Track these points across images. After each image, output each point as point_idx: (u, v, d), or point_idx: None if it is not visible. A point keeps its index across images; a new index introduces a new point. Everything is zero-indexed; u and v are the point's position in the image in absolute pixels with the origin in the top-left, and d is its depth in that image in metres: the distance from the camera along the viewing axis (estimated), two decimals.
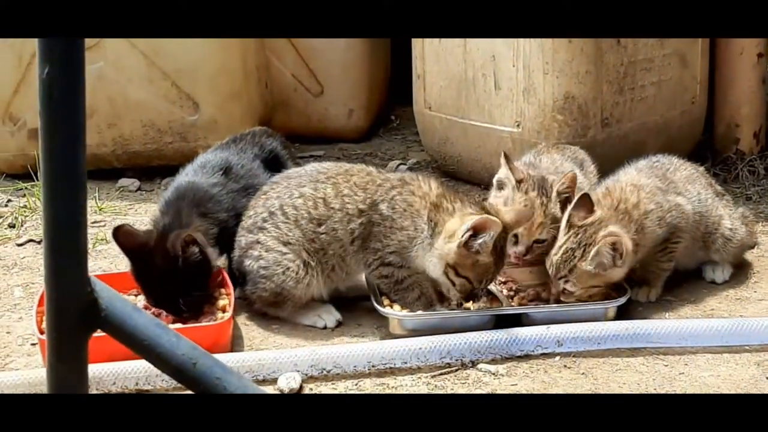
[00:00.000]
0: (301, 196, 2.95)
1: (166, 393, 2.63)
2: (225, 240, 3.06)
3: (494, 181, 3.15)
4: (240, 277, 3.01)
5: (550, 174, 3.16)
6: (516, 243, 3.01)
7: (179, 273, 2.84)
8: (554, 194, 3.01)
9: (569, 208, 2.93)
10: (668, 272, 3.12)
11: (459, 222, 2.81)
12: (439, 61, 4.11)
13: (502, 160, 3.06)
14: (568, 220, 2.92)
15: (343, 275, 3.00)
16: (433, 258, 2.85)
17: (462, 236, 2.77)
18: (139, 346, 1.51)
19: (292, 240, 2.92)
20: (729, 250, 3.20)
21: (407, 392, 2.62)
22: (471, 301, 3.02)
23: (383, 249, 2.90)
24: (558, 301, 2.96)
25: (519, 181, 3.02)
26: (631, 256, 2.90)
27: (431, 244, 2.85)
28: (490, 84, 3.92)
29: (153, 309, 2.92)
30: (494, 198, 3.08)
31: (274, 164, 3.43)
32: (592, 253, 2.84)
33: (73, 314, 1.46)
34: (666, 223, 3.02)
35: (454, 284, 2.86)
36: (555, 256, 2.91)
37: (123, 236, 2.88)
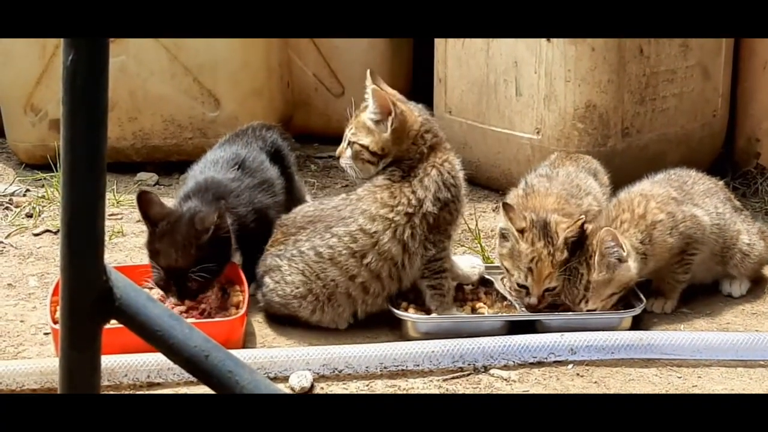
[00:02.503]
0: (333, 236, 2.88)
1: (176, 393, 2.63)
2: (242, 237, 3.06)
3: (498, 229, 3.05)
4: (257, 285, 3.01)
5: (564, 190, 3.14)
6: (527, 294, 2.94)
7: (201, 244, 2.84)
8: (561, 241, 2.90)
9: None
10: (684, 284, 3.11)
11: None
12: (461, 66, 4.11)
13: (502, 211, 2.96)
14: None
15: (394, 288, 2.93)
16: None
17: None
18: (152, 336, 1.50)
19: (323, 281, 2.88)
20: (747, 265, 3.19)
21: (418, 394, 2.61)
22: (485, 306, 3.03)
23: (456, 220, 2.94)
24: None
25: (521, 231, 2.91)
26: (633, 253, 2.90)
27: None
28: (512, 90, 3.91)
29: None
30: (501, 248, 3.00)
31: (276, 157, 3.43)
32: (596, 259, 2.83)
33: (87, 302, 1.46)
34: (679, 232, 3.01)
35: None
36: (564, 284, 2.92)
37: (146, 203, 2.89)
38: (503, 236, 2.98)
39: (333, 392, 2.62)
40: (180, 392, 2.61)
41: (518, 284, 2.94)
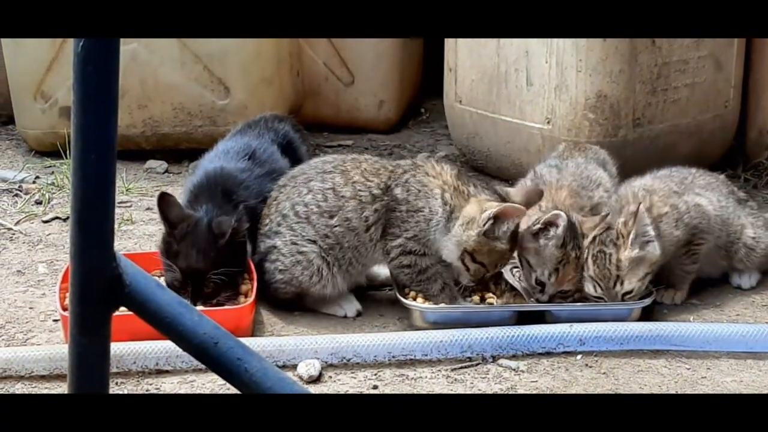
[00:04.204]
0: (310, 191, 2.93)
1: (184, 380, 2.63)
2: (252, 226, 3.06)
3: (529, 231, 2.90)
4: (260, 276, 3.00)
5: (575, 182, 3.12)
6: (542, 291, 2.92)
7: (221, 247, 2.86)
8: (589, 241, 2.87)
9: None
10: (693, 275, 3.10)
11: (477, 208, 2.81)
12: (472, 55, 4.09)
13: (561, 221, 2.82)
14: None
15: (360, 267, 2.97)
16: (450, 243, 2.85)
17: (484, 224, 2.78)
18: (161, 323, 1.50)
19: (307, 240, 2.91)
20: (753, 259, 3.17)
21: (426, 384, 2.61)
22: (494, 296, 3.02)
23: (402, 234, 2.86)
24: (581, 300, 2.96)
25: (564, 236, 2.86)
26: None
27: (447, 228, 2.84)
28: (522, 80, 3.90)
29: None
30: (528, 242, 2.91)
31: (288, 149, 3.43)
32: (631, 238, 2.82)
33: (97, 288, 1.46)
34: (684, 224, 3.00)
35: (468, 270, 2.87)
36: (589, 271, 2.88)
37: (166, 205, 2.91)
38: (535, 234, 2.88)
39: (341, 381, 2.63)
40: (189, 379, 2.61)
41: (537, 280, 2.92)
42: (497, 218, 2.78)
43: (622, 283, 2.86)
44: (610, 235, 2.86)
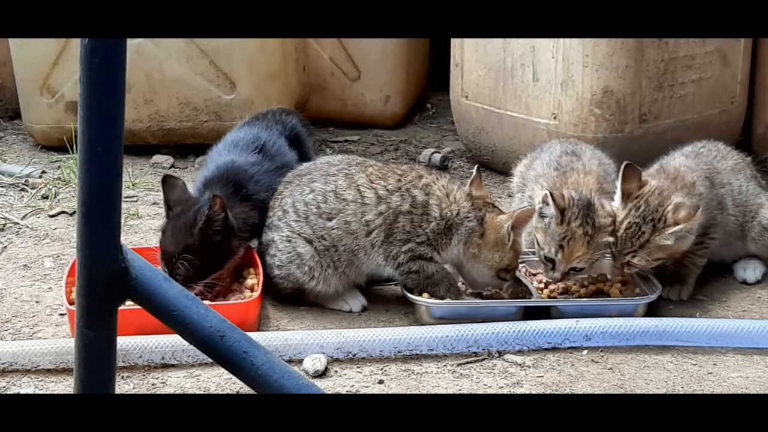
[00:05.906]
0: (311, 191, 2.92)
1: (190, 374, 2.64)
2: (262, 221, 3.05)
3: (537, 208, 2.93)
4: (264, 269, 3.00)
5: (600, 166, 3.13)
6: (552, 269, 2.92)
7: (194, 234, 2.84)
8: (599, 226, 2.89)
9: (619, 183, 2.93)
10: (700, 269, 3.10)
11: (495, 229, 2.87)
12: (478, 50, 4.09)
13: (549, 199, 2.86)
14: (622, 194, 2.92)
15: (356, 270, 2.95)
16: (481, 267, 2.90)
17: (510, 239, 2.86)
18: (167, 316, 1.51)
19: (303, 239, 2.90)
20: (766, 239, 3.17)
21: (432, 379, 2.61)
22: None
23: (414, 239, 2.86)
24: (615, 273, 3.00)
25: (562, 211, 2.87)
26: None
27: (470, 244, 2.87)
28: (528, 75, 3.90)
29: None
30: (537, 222, 2.94)
31: (295, 143, 3.43)
32: (673, 229, 2.83)
33: (103, 281, 1.46)
34: (709, 210, 3.00)
35: (505, 280, 2.93)
36: (619, 232, 2.89)
37: (168, 186, 2.93)
38: (541, 215, 2.92)
39: (347, 376, 2.63)
40: (194, 374, 2.61)
41: (546, 257, 2.93)
42: (514, 228, 2.86)
43: (634, 256, 2.89)
44: (654, 214, 2.86)
